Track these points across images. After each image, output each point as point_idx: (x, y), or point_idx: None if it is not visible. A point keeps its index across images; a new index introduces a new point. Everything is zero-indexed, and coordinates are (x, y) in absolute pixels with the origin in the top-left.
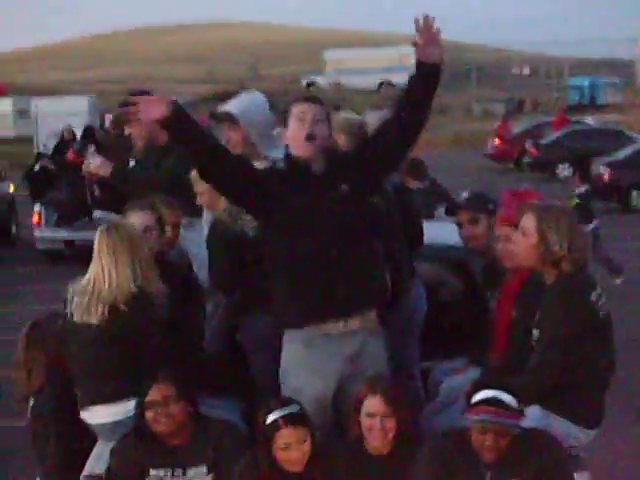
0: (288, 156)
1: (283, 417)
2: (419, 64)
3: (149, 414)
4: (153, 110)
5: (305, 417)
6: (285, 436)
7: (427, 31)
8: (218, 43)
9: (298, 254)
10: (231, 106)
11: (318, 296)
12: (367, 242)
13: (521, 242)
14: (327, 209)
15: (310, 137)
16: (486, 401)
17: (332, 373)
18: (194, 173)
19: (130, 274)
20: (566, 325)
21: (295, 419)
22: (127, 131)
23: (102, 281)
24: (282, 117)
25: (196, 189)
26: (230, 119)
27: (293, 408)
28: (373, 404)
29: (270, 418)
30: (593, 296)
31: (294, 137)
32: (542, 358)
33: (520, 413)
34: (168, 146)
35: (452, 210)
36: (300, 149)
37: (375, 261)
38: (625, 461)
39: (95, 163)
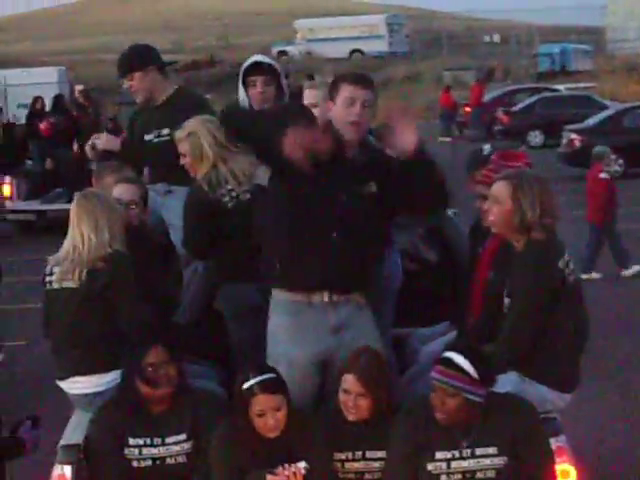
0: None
1: (259, 384)
2: (401, 164)
3: (150, 375)
4: None
5: (281, 384)
6: (260, 403)
7: (399, 121)
8: (187, 12)
9: (304, 223)
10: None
11: (311, 267)
12: (372, 237)
13: (495, 209)
14: (346, 195)
15: (356, 124)
16: (439, 361)
17: (316, 342)
18: (178, 133)
19: (108, 237)
20: (536, 293)
21: (271, 386)
22: (127, 84)
23: (81, 246)
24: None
25: (180, 150)
26: (272, 71)
27: (269, 375)
28: (348, 381)
29: (246, 384)
30: (561, 263)
31: (339, 118)
32: (513, 326)
33: (475, 378)
34: (163, 105)
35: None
36: (343, 130)
37: (372, 255)
38: (601, 424)
39: (102, 140)
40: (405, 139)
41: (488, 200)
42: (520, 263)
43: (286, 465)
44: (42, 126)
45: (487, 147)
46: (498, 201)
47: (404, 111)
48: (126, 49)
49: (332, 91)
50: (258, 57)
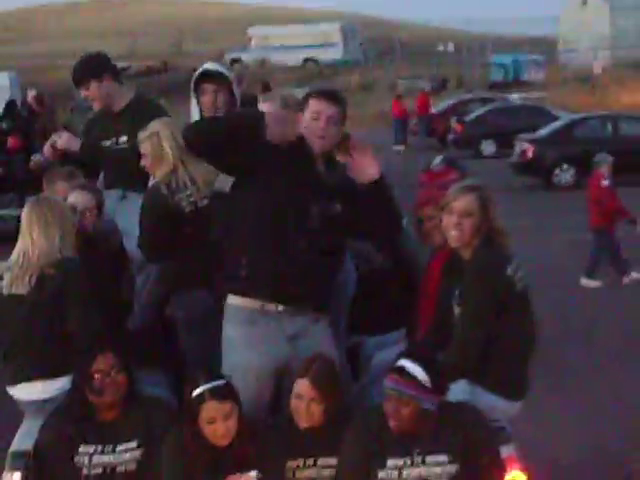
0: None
1: (209, 390)
2: (361, 187)
3: (96, 383)
4: None
5: (231, 391)
6: (210, 409)
7: (360, 154)
8: (140, 18)
9: (272, 231)
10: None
11: (271, 276)
12: (334, 252)
13: (467, 223)
14: (317, 208)
15: (321, 137)
16: (392, 369)
17: (272, 350)
18: (140, 134)
19: (59, 244)
20: (485, 301)
21: (221, 393)
22: (84, 93)
23: (31, 252)
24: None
25: (141, 150)
26: (223, 79)
27: (219, 382)
28: (301, 386)
29: (196, 391)
30: (509, 270)
31: (307, 131)
32: (464, 336)
33: (428, 386)
34: (122, 113)
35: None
36: (311, 142)
37: (333, 271)
38: (549, 433)
39: (63, 139)
40: (366, 172)
41: (451, 216)
42: (469, 273)
43: (238, 474)
44: (11, 141)
45: (437, 161)
46: (469, 214)
47: (364, 147)
48: (79, 59)
49: (303, 104)
50: (209, 65)
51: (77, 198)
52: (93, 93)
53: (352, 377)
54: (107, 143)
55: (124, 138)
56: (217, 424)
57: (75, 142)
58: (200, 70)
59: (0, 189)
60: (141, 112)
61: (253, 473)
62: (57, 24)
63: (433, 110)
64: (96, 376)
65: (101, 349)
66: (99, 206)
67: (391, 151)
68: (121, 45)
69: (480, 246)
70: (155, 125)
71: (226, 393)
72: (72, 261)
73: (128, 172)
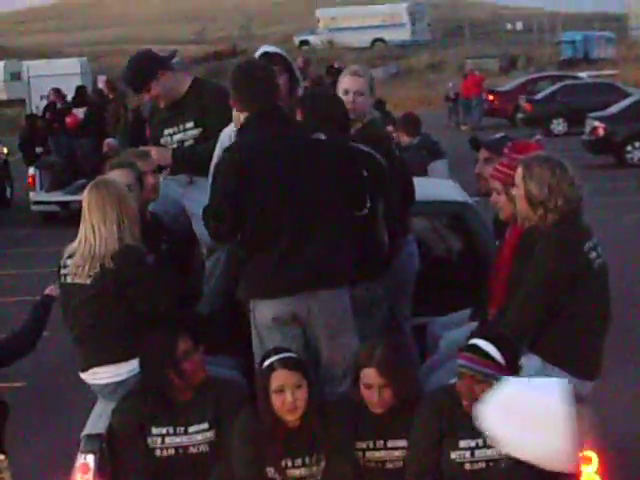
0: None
1: (278, 360)
2: None
3: (186, 366)
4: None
5: (301, 363)
6: (279, 378)
7: None
8: (208, 2)
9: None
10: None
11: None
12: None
13: (515, 194)
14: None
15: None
16: (465, 348)
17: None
18: None
19: (117, 230)
20: (555, 272)
21: (290, 362)
22: (146, 97)
23: (92, 239)
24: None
25: None
26: (283, 61)
27: (290, 354)
28: (369, 375)
29: (267, 362)
30: (586, 247)
31: None
32: (523, 295)
33: (502, 365)
34: (183, 98)
35: (475, 145)
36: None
37: (346, 241)
38: (624, 411)
39: (154, 153)
40: None
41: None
42: (545, 242)
43: None
44: (68, 120)
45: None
46: (517, 186)
47: None
48: (128, 66)
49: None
50: (267, 48)
51: (115, 177)
52: (156, 93)
53: (420, 358)
54: (169, 130)
55: (190, 124)
56: (286, 393)
57: (166, 154)
58: (258, 53)
59: (72, 175)
60: (202, 95)
61: None
62: (124, 9)
63: (501, 89)
64: (182, 359)
65: (181, 332)
66: (140, 181)
67: (459, 130)
68: (189, 30)
69: (559, 222)
70: None
71: (295, 364)
72: (130, 250)
73: (197, 161)
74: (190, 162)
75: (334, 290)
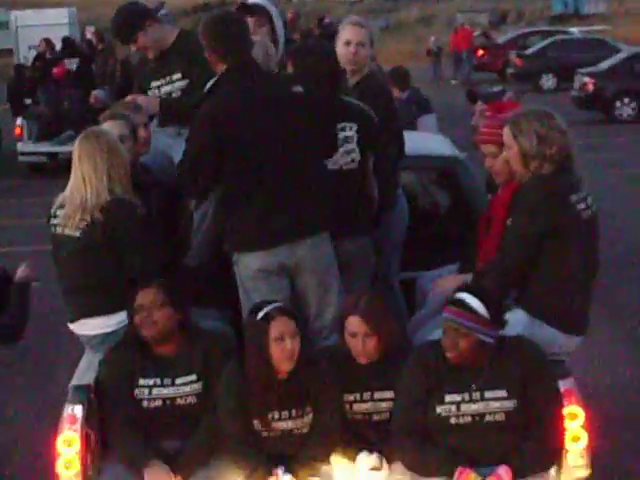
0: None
1: (278, 308)
2: None
3: (136, 318)
4: None
5: (295, 313)
6: (280, 325)
7: None
8: None
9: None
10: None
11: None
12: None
13: (508, 155)
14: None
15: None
16: (450, 302)
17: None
18: None
19: (107, 181)
20: (530, 218)
21: (288, 310)
22: (133, 49)
23: (82, 189)
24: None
25: None
26: (260, 10)
27: (282, 304)
28: (353, 323)
29: (263, 311)
30: (573, 197)
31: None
32: (504, 247)
33: (487, 319)
34: (169, 50)
35: (472, 97)
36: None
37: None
38: (610, 368)
39: (142, 100)
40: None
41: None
42: (521, 194)
43: (280, 470)
44: (56, 70)
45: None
46: (507, 146)
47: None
48: (114, 16)
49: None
50: None
51: (108, 128)
52: (143, 44)
53: (408, 312)
54: (157, 82)
55: (178, 75)
56: (286, 341)
57: (154, 102)
58: (239, 3)
59: (59, 126)
60: (188, 46)
61: (287, 477)
62: None
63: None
64: (137, 311)
65: (143, 284)
66: (134, 132)
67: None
68: None
69: (536, 171)
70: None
71: (292, 312)
72: (122, 203)
73: (184, 113)
74: (177, 113)
75: (318, 237)
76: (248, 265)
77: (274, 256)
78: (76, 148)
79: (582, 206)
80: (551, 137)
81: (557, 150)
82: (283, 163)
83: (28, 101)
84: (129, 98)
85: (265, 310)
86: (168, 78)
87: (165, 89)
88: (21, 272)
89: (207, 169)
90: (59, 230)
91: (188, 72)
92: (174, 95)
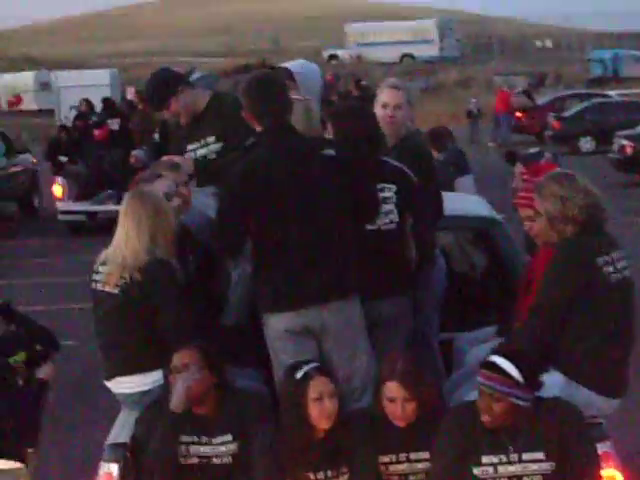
0: None
1: (316, 368)
2: None
3: (171, 379)
4: None
5: (332, 373)
6: (319, 385)
7: None
8: (238, 15)
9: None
10: (290, 65)
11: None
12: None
13: (538, 222)
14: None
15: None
16: (483, 365)
17: (312, 350)
18: None
19: (149, 241)
20: (555, 281)
21: (327, 370)
22: (166, 115)
23: (124, 246)
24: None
25: None
26: (289, 76)
27: (319, 364)
28: (392, 389)
29: (301, 371)
30: (600, 260)
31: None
32: (532, 307)
33: (521, 382)
34: (203, 113)
35: (511, 159)
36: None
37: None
38: None
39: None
40: None
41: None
42: (553, 254)
43: None
44: (97, 132)
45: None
46: (537, 211)
47: None
48: (148, 82)
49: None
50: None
51: (167, 177)
52: (175, 109)
53: (445, 372)
54: (193, 146)
55: (212, 138)
56: (325, 401)
57: (189, 162)
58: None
59: (99, 185)
60: (221, 109)
61: None
62: (155, 21)
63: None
64: (171, 373)
65: (179, 346)
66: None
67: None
68: (218, 42)
69: (578, 233)
70: None
71: (329, 373)
72: (160, 264)
73: (220, 173)
74: (213, 173)
75: (346, 300)
76: (275, 326)
77: (301, 317)
78: (123, 206)
79: (610, 269)
80: (572, 198)
81: (579, 210)
82: (310, 224)
83: (64, 159)
84: (165, 158)
85: (304, 370)
86: (203, 141)
87: (200, 152)
88: (43, 374)
89: (235, 225)
90: (99, 287)
91: (222, 135)
92: (209, 158)
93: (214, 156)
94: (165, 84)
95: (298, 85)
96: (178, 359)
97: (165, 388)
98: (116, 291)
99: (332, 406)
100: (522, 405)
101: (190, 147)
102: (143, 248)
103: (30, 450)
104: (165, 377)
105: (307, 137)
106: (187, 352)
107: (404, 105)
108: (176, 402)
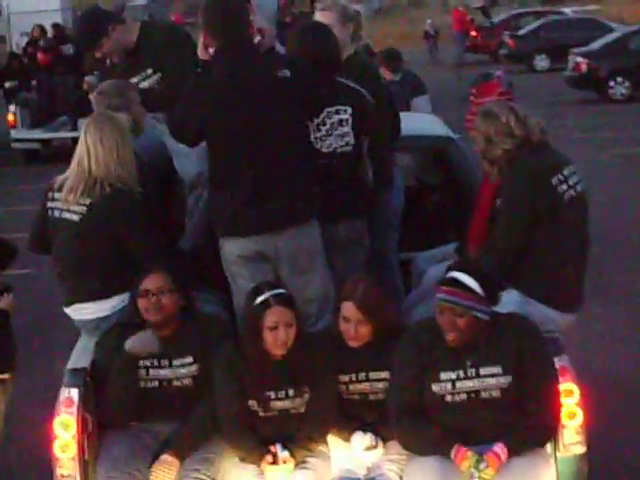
0: None
1: (275, 296)
2: None
3: (142, 303)
4: None
5: (294, 301)
6: (274, 314)
7: None
8: None
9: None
10: None
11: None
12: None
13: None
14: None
15: None
16: (444, 281)
17: (266, 274)
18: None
19: (115, 157)
20: (518, 210)
21: (285, 300)
22: (99, 55)
23: (86, 161)
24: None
25: None
26: None
27: (283, 290)
28: (347, 309)
29: (261, 297)
30: (554, 179)
31: None
32: (496, 233)
33: (482, 296)
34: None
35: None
36: None
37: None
38: (605, 346)
39: None
40: None
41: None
42: (509, 176)
43: (278, 446)
44: (40, 57)
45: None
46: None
47: None
48: (77, 25)
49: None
50: None
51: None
52: (108, 49)
53: (404, 292)
54: (135, 79)
55: (149, 70)
56: (279, 330)
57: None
58: None
59: (52, 112)
60: (152, 39)
61: (285, 453)
62: None
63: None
64: (142, 296)
65: (150, 270)
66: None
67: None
68: None
69: (523, 156)
70: None
71: (290, 301)
72: (124, 195)
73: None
74: (159, 100)
75: (300, 227)
76: (229, 250)
77: (254, 243)
78: (85, 126)
79: (564, 187)
80: (519, 123)
81: (530, 135)
82: (262, 149)
83: (12, 84)
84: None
85: (263, 296)
86: (143, 74)
87: (143, 84)
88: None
89: (191, 134)
90: (57, 214)
91: (157, 65)
92: (152, 88)
93: (156, 87)
94: (96, 25)
95: (253, 7)
96: (150, 282)
97: (130, 311)
98: (75, 218)
99: (286, 335)
100: (483, 319)
101: (132, 80)
102: (109, 157)
103: (5, 376)
104: (132, 300)
105: (265, 57)
106: (158, 276)
107: (336, 25)
108: (134, 348)
